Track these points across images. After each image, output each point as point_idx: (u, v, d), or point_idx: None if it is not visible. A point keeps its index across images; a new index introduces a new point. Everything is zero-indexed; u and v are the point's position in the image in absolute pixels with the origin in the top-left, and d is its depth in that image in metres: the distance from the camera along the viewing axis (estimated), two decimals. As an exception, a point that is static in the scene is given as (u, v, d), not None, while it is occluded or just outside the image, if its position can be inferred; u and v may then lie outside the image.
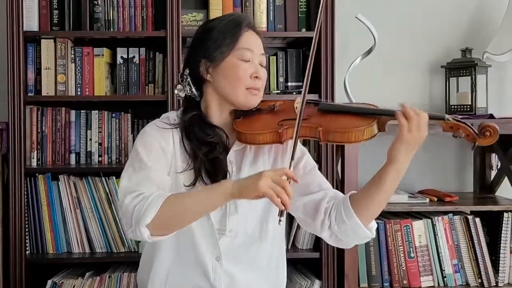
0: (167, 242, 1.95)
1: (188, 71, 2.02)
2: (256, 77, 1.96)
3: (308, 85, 1.88)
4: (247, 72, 1.95)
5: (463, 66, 3.28)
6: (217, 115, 2.02)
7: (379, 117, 1.90)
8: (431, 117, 1.85)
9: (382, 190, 1.87)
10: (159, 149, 1.93)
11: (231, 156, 2.00)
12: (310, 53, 1.93)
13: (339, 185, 3.01)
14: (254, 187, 1.71)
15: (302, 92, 1.87)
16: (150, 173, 1.88)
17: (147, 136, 1.96)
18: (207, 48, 1.97)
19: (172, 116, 2.03)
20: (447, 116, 1.87)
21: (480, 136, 1.84)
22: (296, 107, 1.96)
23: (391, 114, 1.87)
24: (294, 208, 2.02)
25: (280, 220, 1.74)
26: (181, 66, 2.90)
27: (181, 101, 2.14)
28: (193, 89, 2.01)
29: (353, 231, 1.93)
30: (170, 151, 1.96)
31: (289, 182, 1.73)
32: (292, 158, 1.81)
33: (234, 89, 1.96)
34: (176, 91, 2.04)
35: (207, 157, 1.93)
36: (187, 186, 1.94)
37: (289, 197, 1.70)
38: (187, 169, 1.94)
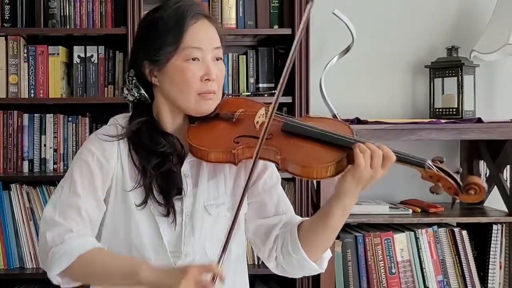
0: None
1: (133, 72, 1.81)
2: (208, 79, 1.75)
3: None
4: (196, 75, 1.73)
5: (448, 66, 3.23)
6: (170, 120, 1.82)
7: (350, 150, 1.66)
8: (403, 160, 1.66)
9: (329, 227, 1.74)
10: (97, 169, 1.76)
11: (185, 169, 1.81)
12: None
13: (314, 195, 2.96)
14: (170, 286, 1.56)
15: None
16: (80, 203, 1.73)
17: (86, 153, 1.78)
18: (149, 47, 1.75)
19: (121, 122, 1.83)
20: (428, 162, 1.66)
21: (463, 192, 1.64)
22: (257, 122, 1.76)
23: (346, 146, 1.66)
24: (247, 229, 1.91)
25: None
26: None
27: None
28: (142, 91, 1.80)
29: (299, 264, 1.81)
30: (113, 169, 1.78)
31: (215, 281, 1.56)
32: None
33: (183, 95, 1.75)
34: (124, 95, 1.84)
35: (158, 170, 1.75)
36: (138, 205, 1.76)
37: None
38: (137, 186, 1.76)
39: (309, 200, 2.91)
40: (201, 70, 1.73)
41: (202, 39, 1.75)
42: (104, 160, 1.76)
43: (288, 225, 1.84)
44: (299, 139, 1.72)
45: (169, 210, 1.75)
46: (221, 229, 1.82)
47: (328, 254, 1.84)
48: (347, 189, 1.66)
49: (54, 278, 1.68)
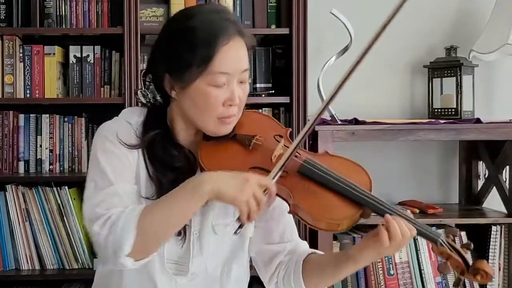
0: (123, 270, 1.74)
1: (151, 77, 1.74)
2: (231, 104, 1.66)
3: (300, 143, 1.64)
4: (219, 100, 1.64)
5: (447, 66, 3.22)
6: (183, 131, 1.75)
7: (365, 209, 1.61)
8: (421, 234, 1.63)
9: (337, 277, 1.77)
10: (124, 158, 1.68)
11: None
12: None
13: None
14: (234, 199, 1.54)
15: (291, 148, 1.62)
16: (116, 189, 1.64)
17: (109, 143, 1.69)
18: (173, 62, 1.65)
19: (134, 122, 1.73)
20: (441, 238, 1.62)
21: (470, 273, 1.60)
22: (275, 156, 1.67)
23: (379, 213, 1.60)
24: (251, 248, 1.89)
25: (235, 232, 1.62)
26: (140, 65, 2.89)
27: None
28: (158, 98, 1.74)
29: None
30: (135, 162, 1.71)
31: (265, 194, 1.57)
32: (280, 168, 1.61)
33: (202, 117, 1.67)
34: (137, 97, 1.78)
35: (173, 185, 1.64)
36: None
37: (257, 213, 1.56)
38: (152, 197, 1.69)
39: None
40: (225, 94, 1.64)
41: (231, 64, 1.63)
42: (129, 152, 1.69)
43: (292, 253, 1.83)
44: (314, 185, 1.64)
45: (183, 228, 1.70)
46: (225, 250, 1.81)
47: None
48: (367, 257, 1.66)
49: (125, 262, 1.55)
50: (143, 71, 1.78)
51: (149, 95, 1.74)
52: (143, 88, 1.76)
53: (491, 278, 1.61)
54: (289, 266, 1.81)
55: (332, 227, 1.62)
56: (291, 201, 1.61)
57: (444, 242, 1.61)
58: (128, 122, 1.73)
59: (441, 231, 1.63)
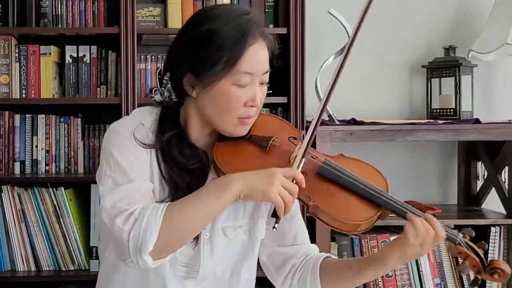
0: (129, 270, 1.73)
1: (169, 75, 1.71)
2: (252, 105, 1.67)
3: (312, 137, 1.66)
4: (241, 100, 1.65)
5: (446, 65, 3.22)
6: (198, 131, 1.74)
7: (384, 210, 1.64)
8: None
9: (358, 281, 1.76)
10: (139, 154, 1.67)
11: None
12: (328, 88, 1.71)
13: None
14: (265, 193, 1.57)
15: (304, 145, 1.64)
16: (136, 185, 1.62)
17: (122, 139, 1.67)
18: (197, 61, 1.64)
19: (147, 123, 1.72)
20: (460, 237, 1.65)
21: (487, 272, 1.63)
22: (293, 157, 1.67)
23: (400, 215, 1.63)
24: (262, 252, 1.87)
25: (274, 227, 1.61)
26: (136, 65, 2.89)
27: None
28: (173, 97, 1.70)
29: None
30: (148, 164, 1.69)
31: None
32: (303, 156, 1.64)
33: (222, 117, 1.67)
34: (152, 95, 1.73)
35: (189, 188, 1.65)
36: None
37: (293, 204, 1.60)
38: (166, 199, 1.67)
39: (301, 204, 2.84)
40: (247, 95, 1.65)
41: (255, 64, 1.65)
42: (142, 150, 1.68)
43: (305, 256, 1.83)
44: (333, 186, 1.67)
45: None
46: (235, 253, 1.79)
47: None
48: (394, 260, 1.65)
49: (147, 259, 1.54)
50: (159, 70, 1.76)
51: (164, 94, 1.71)
52: (160, 87, 1.73)
53: (508, 276, 1.63)
54: (304, 269, 1.81)
55: (351, 228, 1.64)
56: (311, 202, 1.62)
57: (462, 242, 1.64)
58: (141, 123, 1.71)
59: (456, 231, 1.63)
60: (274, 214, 1.59)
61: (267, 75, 1.70)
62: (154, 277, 1.72)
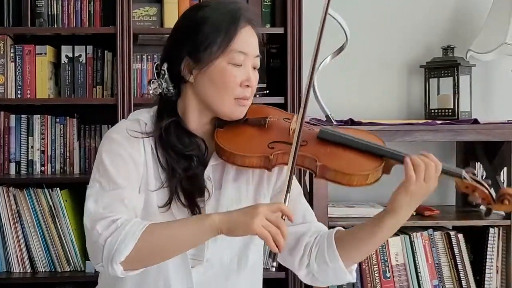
0: None
1: (166, 66, 1.78)
2: (247, 85, 1.75)
3: (307, 102, 1.73)
4: (237, 80, 1.73)
5: (444, 65, 3.21)
6: (196, 120, 1.80)
7: (387, 159, 1.73)
8: (445, 172, 1.73)
9: (376, 238, 1.77)
10: (130, 161, 1.73)
11: (208, 172, 1.79)
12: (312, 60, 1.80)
13: (307, 197, 2.84)
14: (247, 226, 1.56)
15: (300, 112, 1.70)
16: (122, 194, 1.68)
17: (116, 146, 1.73)
18: (194, 44, 1.73)
19: (144, 118, 1.80)
20: (464, 172, 1.73)
21: (497, 202, 1.72)
22: (292, 128, 1.77)
23: (398, 159, 1.72)
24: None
25: (272, 266, 1.60)
26: (133, 65, 2.91)
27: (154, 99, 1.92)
28: (171, 88, 1.78)
29: (334, 273, 1.83)
30: (142, 163, 1.75)
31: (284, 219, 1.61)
32: (287, 191, 1.63)
33: (220, 98, 1.74)
34: (150, 88, 1.81)
35: (186, 173, 1.74)
36: (161, 207, 1.75)
37: (284, 239, 1.57)
38: (162, 186, 1.75)
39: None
40: (242, 75, 1.73)
41: (248, 45, 1.75)
42: (135, 153, 1.74)
43: (317, 234, 1.86)
44: (335, 147, 1.75)
45: (194, 211, 1.74)
46: (239, 237, 1.81)
47: (355, 265, 1.86)
48: (403, 203, 1.70)
49: (117, 268, 1.59)
50: (156, 64, 1.84)
51: (162, 85, 1.78)
52: (158, 78, 1.79)
53: None
54: (319, 245, 1.83)
55: (361, 180, 1.68)
56: (318, 163, 1.69)
57: (467, 176, 1.72)
58: (137, 119, 1.80)
59: (459, 169, 1.76)
60: (270, 254, 1.60)
61: (258, 59, 1.79)
62: (156, 277, 1.77)
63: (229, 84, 1.72)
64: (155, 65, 1.86)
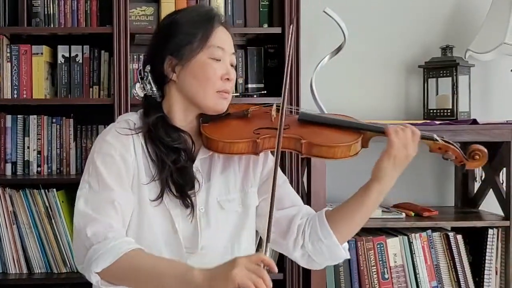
0: None
1: (149, 68, 1.90)
2: (227, 79, 1.88)
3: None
4: (217, 73, 1.86)
5: (443, 65, 3.21)
6: (182, 118, 1.91)
7: (365, 132, 1.90)
8: (421, 136, 1.90)
9: (364, 208, 1.89)
10: (121, 161, 1.82)
11: (197, 165, 1.90)
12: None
13: (305, 198, 2.92)
14: (228, 278, 1.57)
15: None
16: (112, 196, 1.77)
17: (106, 147, 1.83)
18: (176, 43, 1.86)
19: (132, 119, 1.91)
20: (435, 135, 1.91)
21: (469, 159, 1.90)
22: (273, 115, 1.94)
23: (378, 131, 1.89)
24: (262, 224, 1.99)
25: None
26: (129, 65, 2.90)
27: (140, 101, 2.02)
28: (155, 89, 1.89)
29: (329, 250, 1.92)
30: (132, 162, 1.84)
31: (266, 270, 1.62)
32: (267, 240, 1.67)
33: (202, 91, 1.86)
34: (134, 91, 1.93)
35: (175, 165, 1.84)
36: (153, 200, 1.83)
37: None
38: (153, 180, 1.84)
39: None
40: (222, 69, 1.86)
41: (225, 41, 1.89)
42: (125, 152, 1.82)
43: (308, 215, 1.97)
44: (316, 126, 1.92)
45: (186, 202, 1.82)
46: (232, 224, 1.93)
47: (346, 245, 1.97)
48: (387, 169, 1.84)
49: (93, 276, 1.69)
50: (139, 69, 1.93)
51: (146, 86, 1.89)
52: (142, 80, 1.90)
53: (486, 155, 1.88)
54: (311, 224, 1.93)
55: (345, 151, 1.85)
56: (303, 141, 1.84)
57: (438, 138, 1.90)
58: (126, 119, 1.90)
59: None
60: None
61: (235, 57, 1.93)
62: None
63: (210, 77, 1.84)
64: (138, 71, 1.97)
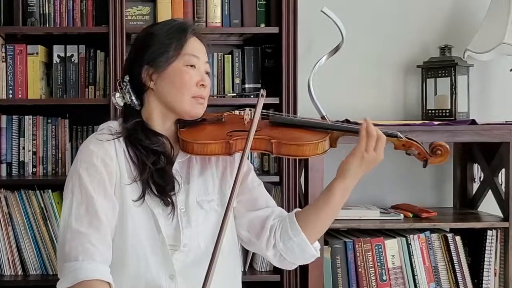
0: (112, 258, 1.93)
1: (128, 78, 2.00)
2: (202, 85, 1.98)
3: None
4: (193, 79, 1.96)
5: (441, 65, 3.22)
6: (160, 124, 2.01)
7: (331, 132, 2.00)
8: (386, 135, 1.98)
9: (329, 206, 1.98)
10: (103, 169, 1.90)
11: (176, 168, 1.99)
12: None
13: (302, 199, 2.94)
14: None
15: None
16: (96, 206, 1.86)
17: (88, 156, 1.91)
18: (152, 53, 1.97)
19: (113, 125, 2.01)
20: (399, 133, 1.99)
21: (432, 155, 1.97)
22: (246, 120, 2.05)
23: (345, 130, 2.00)
24: (239, 226, 2.09)
25: None
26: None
27: (119, 109, 2.12)
28: (133, 98, 1.99)
29: (300, 248, 2.02)
30: (114, 165, 1.92)
31: None
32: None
33: (179, 96, 1.96)
34: (114, 100, 2.02)
35: (155, 166, 1.93)
36: (135, 200, 1.91)
37: None
38: (135, 180, 1.92)
39: (296, 204, 2.86)
40: (197, 76, 1.96)
41: (199, 50, 2.00)
42: (107, 159, 1.90)
43: (280, 217, 2.06)
44: (285, 128, 2.03)
45: (167, 200, 1.90)
46: (213, 223, 1.99)
47: (318, 245, 2.06)
48: (352, 168, 1.93)
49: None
50: (119, 81, 2.03)
51: (126, 95, 1.99)
52: (121, 89, 2.00)
53: (448, 151, 1.95)
54: (282, 225, 2.03)
55: (313, 149, 1.95)
56: (273, 141, 1.94)
57: (401, 136, 1.98)
58: (107, 126, 2.00)
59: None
60: None
61: (208, 66, 2.04)
62: (137, 266, 1.91)
63: (186, 83, 1.94)
64: (118, 81, 2.05)
